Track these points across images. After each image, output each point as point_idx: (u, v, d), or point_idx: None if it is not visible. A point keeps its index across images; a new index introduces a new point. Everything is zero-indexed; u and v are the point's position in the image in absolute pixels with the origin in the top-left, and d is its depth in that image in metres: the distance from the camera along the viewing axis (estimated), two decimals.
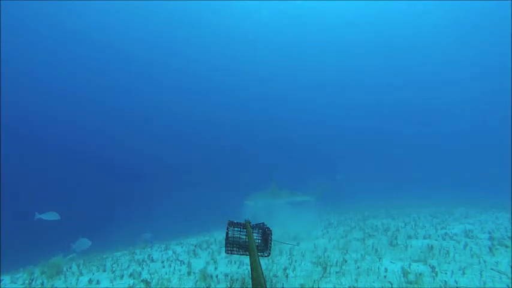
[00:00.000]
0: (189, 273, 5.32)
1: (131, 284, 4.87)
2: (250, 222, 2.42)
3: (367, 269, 4.92)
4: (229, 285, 4.50)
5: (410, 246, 6.42)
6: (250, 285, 4.34)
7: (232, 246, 2.38)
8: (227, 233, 2.38)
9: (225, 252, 2.33)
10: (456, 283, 4.11)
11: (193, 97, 51.14)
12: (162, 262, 6.53)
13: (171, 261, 6.57)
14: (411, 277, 4.32)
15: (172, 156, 43.62)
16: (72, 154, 38.39)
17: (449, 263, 5.08)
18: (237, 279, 4.70)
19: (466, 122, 54.62)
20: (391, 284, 4.10)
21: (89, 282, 5.16)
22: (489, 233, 7.21)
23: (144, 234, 11.62)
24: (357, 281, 4.40)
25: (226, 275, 5.04)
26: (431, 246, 5.94)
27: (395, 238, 7.38)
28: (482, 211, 11.61)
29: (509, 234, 6.87)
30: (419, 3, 33.86)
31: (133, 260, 7.06)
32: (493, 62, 43.12)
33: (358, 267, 5.05)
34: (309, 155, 45.83)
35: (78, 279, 5.38)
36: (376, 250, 6.14)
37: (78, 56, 40.17)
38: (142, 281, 4.92)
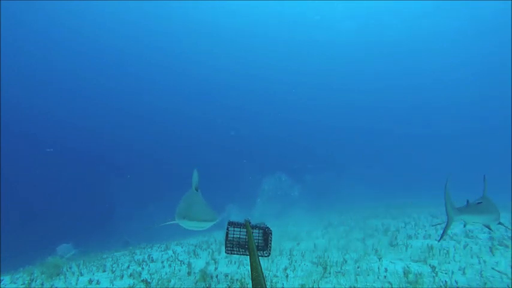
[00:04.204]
0: (189, 274, 5.33)
1: (131, 284, 4.87)
2: (250, 222, 2.41)
3: (367, 269, 4.92)
4: (229, 285, 4.50)
5: (411, 246, 6.42)
6: (250, 285, 4.34)
7: (232, 246, 2.38)
8: (227, 233, 2.37)
9: (225, 252, 2.33)
10: (456, 283, 4.11)
11: (192, 97, 51.13)
12: (162, 262, 6.53)
13: (171, 261, 6.57)
14: (411, 277, 4.32)
15: (173, 156, 43.60)
16: (72, 154, 38.36)
17: (449, 263, 5.08)
18: (237, 279, 4.70)
19: (466, 123, 54.64)
20: (391, 284, 4.10)
21: (89, 282, 5.15)
22: (489, 233, 7.21)
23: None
24: (356, 281, 4.40)
25: (226, 275, 5.04)
26: (432, 246, 5.94)
27: (396, 238, 7.38)
28: None
29: (509, 234, 6.87)
30: (419, 4, 33.84)
31: (133, 260, 7.06)
32: (493, 63, 43.10)
33: (358, 267, 5.05)
34: (309, 156, 45.80)
35: (78, 280, 5.37)
36: (376, 250, 6.14)
37: (78, 56, 40.16)
38: (142, 281, 4.92)
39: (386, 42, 42.44)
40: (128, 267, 6.25)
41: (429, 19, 36.49)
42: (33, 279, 5.44)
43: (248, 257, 1.67)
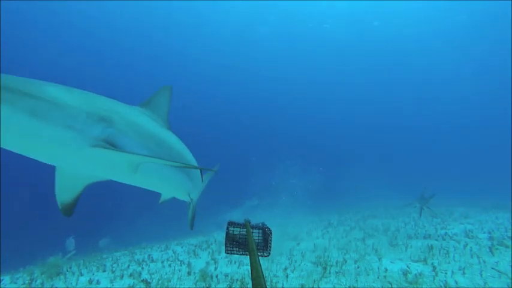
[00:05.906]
0: (189, 273, 5.33)
1: (131, 284, 4.87)
2: (250, 222, 2.42)
3: (367, 269, 4.92)
4: (229, 285, 4.50)
5: (410, 246, 6.42)
6: (250, 285, 4.34)
7: (232, 246, 2.37)
8: (227, 233, 2.37)
9: (225, 252, 2.32)
10: (456, 283, 4.11)
11: (194, 96, 51.10)
12: (162, 262, 6.53)
13: (171, 261, 6.58)
14: (411, 277, 4.32)
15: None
16: None
17: (449, 263, 5.08)
18: (237, 279, 4.70)
19: (465, 122, 54.64)
20: (391, 284, 4.10)
21: (89, 282, 5.15)
22: (489, 233, 7.22)
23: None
24: (356, 281, 4.41)
25: (226, 275, 5.05)
26: (431, 246, 5.94)
27: (395, 238, 7.38)
28: (482, 211, 11.60)
29: (509, 234, 6.87)
30: (418, 3, 33.86)
31: (133, 260, 7.06)
32: (493, 62, 43.06)
33: (358, 267, 5.05)
34: (308, 156, 45.73)
35: (78, 279, 5.37)
36: (376, 250, 6.14)
37: (79, 56, 40.14)
38: (142, 281, 4.92)
39: (387, 41, 42.45)
40: (128, 267, 6.25)
41: (430, 16, 36.51)
42: (33, 279, 5.44)
43: (248, 257, 1.67)
